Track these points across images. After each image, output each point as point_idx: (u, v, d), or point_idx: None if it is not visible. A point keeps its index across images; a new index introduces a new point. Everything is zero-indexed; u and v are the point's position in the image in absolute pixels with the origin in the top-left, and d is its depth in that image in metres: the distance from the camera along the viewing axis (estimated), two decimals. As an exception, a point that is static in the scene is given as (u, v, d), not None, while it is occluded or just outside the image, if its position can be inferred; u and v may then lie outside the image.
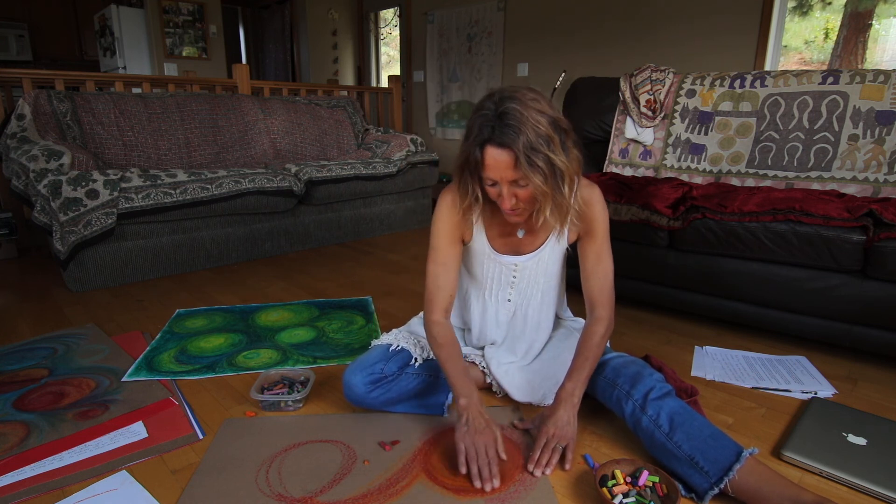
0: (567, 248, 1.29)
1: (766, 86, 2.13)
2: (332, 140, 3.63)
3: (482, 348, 1.41)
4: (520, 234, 1.25)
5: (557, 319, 1.44)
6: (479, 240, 1.26)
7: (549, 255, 1.26)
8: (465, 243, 1.28)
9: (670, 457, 1.04)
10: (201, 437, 1.23)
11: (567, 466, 1.10)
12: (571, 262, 1.32)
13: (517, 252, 1.27)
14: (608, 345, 1.39)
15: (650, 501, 0.96)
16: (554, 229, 1.20)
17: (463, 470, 1.05)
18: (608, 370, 1.19)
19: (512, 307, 1.32)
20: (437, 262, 1.22)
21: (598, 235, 1.21)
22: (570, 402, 1.13)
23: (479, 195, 1.12)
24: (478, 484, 1.04)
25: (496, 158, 1.00)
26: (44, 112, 2.56)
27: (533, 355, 1.38)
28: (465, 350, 1.40)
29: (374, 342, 1.36)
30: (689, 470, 1.01)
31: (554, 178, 1.02)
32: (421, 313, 1.50)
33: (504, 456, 1.07)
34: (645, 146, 2.38)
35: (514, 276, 1.28)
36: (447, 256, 1.22)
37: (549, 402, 1.25)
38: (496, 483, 1.04)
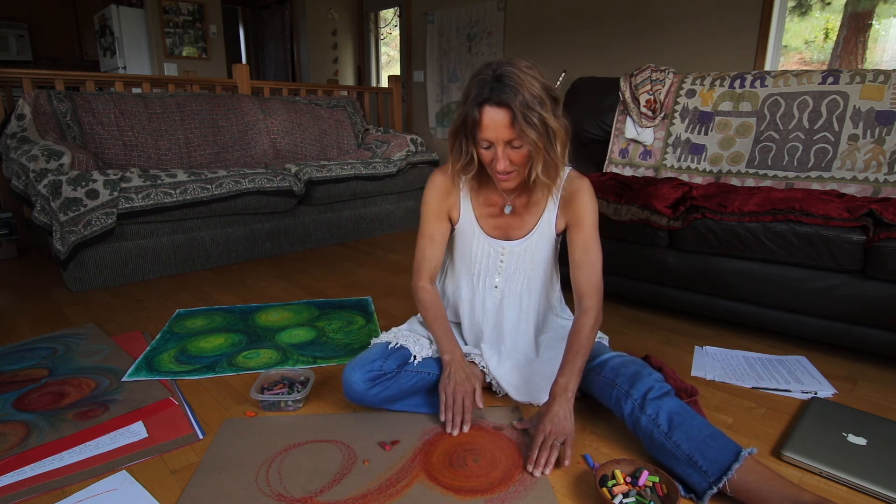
0: (557, 236, 1.31)
1: (766, 86, 2.13)
2: (332, 140, 3.63)
3: (480, 347, 1.41)
4: (507, 209, 1.28)
5: (555, 318, 1.44)
6: (467, 218, 1.31)
7: (537, 242, 1.30)
8: (453, 226, 1.34)
9: (669, 456, 1.04)
10: (201, 437, 1.23)
11: (566, 462, 1.10)
12: (565, 260, 1.32)
13: (507, 238, 1.30)
14: (607, 344, 1.39)
15: (650, 501, 0.96)
16: (546, 202, 1.26)
17: (442, 417, 1.20)
18: (607, 370, 1.19)
19: (499, 294, 1.35)
20: (425, 235, 1.32)
21: (586, 225, 1.25)
22: (564, 397, 1.13)
23: (475, 157, 1.15)
24: (448, 429, 1.20)
25: (493, 117, 1.05)
26: (44, 112, 2.56)
27: (523, 349, 1.38)
28: (465, 349, 1.40)
29: (374, 340, 1.37)
30: (688, 469, 1.01)
31: (547, 136, 1.07)
32: (418, 315, 1.51)
33: (481, 404, 1.22)
34: (645, 146, 2.38)
35: (502, 260, 1.32)
36: (434, 230, 1.32)
37: None
38: (465, 428, 1.21)
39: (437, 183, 1.30)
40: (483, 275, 1.35)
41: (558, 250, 1.37)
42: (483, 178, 1.27)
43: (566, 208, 1.26)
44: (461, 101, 1.12)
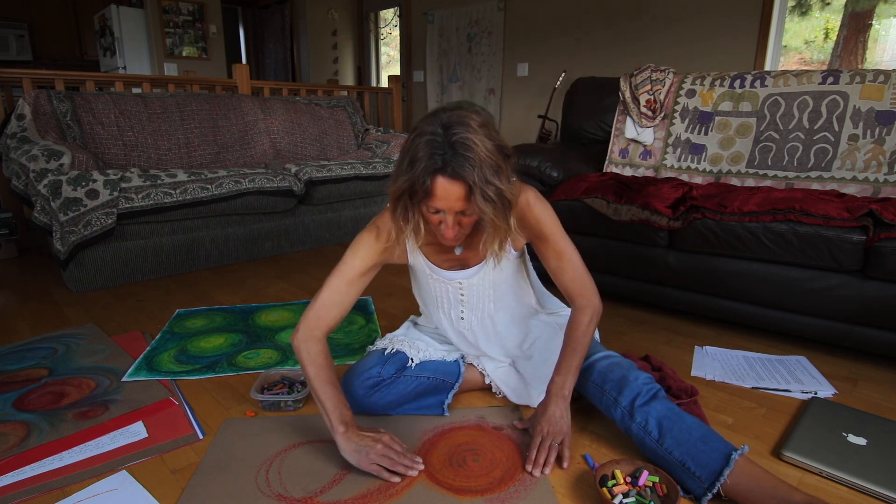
0: (517, 252, 1.24)
1: (766, 86, 2.13)
2: (332, 140, 3.63)
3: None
4: (457, 251, 1.21)
5: (541, 318, 1.39)
6: (417, 260, 1.24)
7: (493, 267, 1.21)
8: (407, 263, 1.26)
9: (663, 461, 1.04)
10: (201, 437, 1.23)
11: (564, 464, 1.10)
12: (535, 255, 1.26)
13: (463, 266, 1.22)
14: (598, 339, 1.37)
15: (650, 501, 0.96)
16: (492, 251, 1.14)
17: (395, 479, 1.05)
18: (595, 374, 1.18)
19: (467, 323, 1.29)
20: (344, 279, 1.16)
21: (550, 235, 1.16)
22: (560, 396, 1.13)
23: (421, 226, 1.05)
24: (413, 473, 1.07)
25: (447, 189, 0.95)
26: (44, 112, 2.56)
27: (515, 354, 1.37)
28: (463, 351, 1.39)
29: (370, 348, 1.37)
30: (682, 474, 1.01)
31: (502, 208, 0.99)
32: (413, 316, 1.51)
33: (403, 445, 1.10)
34: (645, 146, 2.38)
35: (462, 294, 1.24)
36: (356, 278, 1.17)
37: None
38: (421, 464, 1.09)
39: (378, 236, 1.16)
40: (447, 308, 1.28)
41: (526, 255, 1.32)
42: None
43: (521, 227, 1.16)
44: (404, 161, 0.98)
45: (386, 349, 1.32)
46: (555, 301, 1.44)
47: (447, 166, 0.93)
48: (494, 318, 1.28)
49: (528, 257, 1.33)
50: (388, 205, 1.09)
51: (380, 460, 1.05)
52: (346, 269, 1.16)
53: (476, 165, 0.93)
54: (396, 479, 1.05)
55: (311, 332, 1.13)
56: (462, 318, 1.29)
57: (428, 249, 1.22)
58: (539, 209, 1.14)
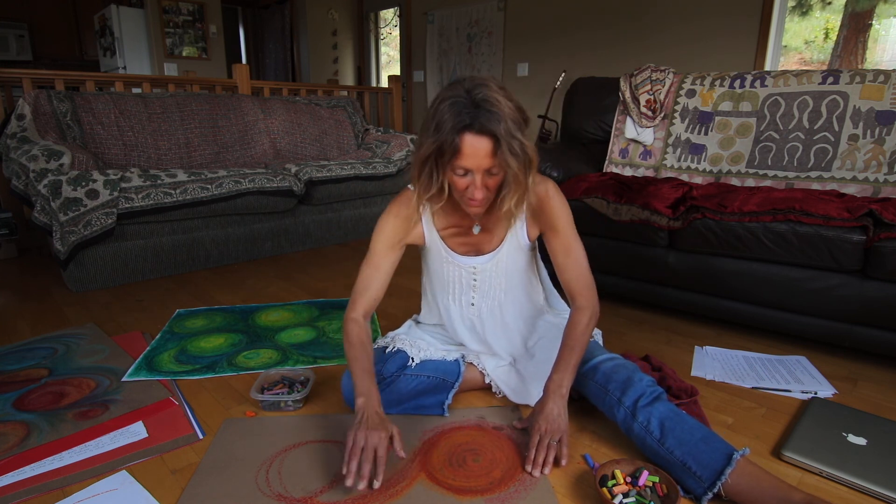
0: (530, 244, 1.26)
1: (766, 86, 2.13)
2: (332, 140, 3.63)
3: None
4: (475, 230, 1.23)
5: (546, 318, 1.41)
6: (433, 241, 1.25)
7: (507, 255, 1.24)
8: (420, 246, 1.28)
9: (664, 461, 1.04)
10: (201, 437, 1.23)
11: (563, 462, 1.10)
12: (548, 257, 1.28)
13: (478, 252, 1.25)
14: (600, 342, 1.38)
15: (650, 501, 0.96)
16: (511, 226, 1.20)
17: (344, 470, 0.98)
18: (599, 375, 1.18)
19: (476, 311, 1.31)
20: (371, 264, 1.22)
21: (562, 228, 1.18)
22: (558, 394, 1.13)
23: (445, 186, 1.07)
24: (349, 482, 0.96)
25: (475, 146, 0.98)
26: (44, 112, 2.56)
27: (520, 351, 1.37)
28: (463, 351, 1.39)
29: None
30: (683, 474, 1.01)
31: (524, 164, 1.02)
32: (415, 315, 1.51)
33: (402, 454, 1.02)
34: (645, 146, 2.38)
35: (475, 279, 1.27)
36: (382, 260, 1.22)
37: None
38: (375, 484, 0.99)
39: (396, 213, 1.21)
40: (457, 294, 1.31)
41: (537, 251, 1.34)
42: (447, 200, 1.15)
43: (536, 216, 1.20)
44: (430, 127, 1.01)
45: (387, 348, 1.32)
46: (562, 302, 1.45)
47: (475, 122, 0.96)
48: (504, 308, 1.30)
49: (539, 255, 1.35)
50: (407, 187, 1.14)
51: (355, 448, 0.99)
52: (371, 254, 1.23)
53: (502, 119, 0.96)
54: (344, 471, 0.98)
55: (349, 315, 1.21)
56: (472, 305, 1.30)
57: (445, 233, 1.25)
58: (557, 201, 1.17)
